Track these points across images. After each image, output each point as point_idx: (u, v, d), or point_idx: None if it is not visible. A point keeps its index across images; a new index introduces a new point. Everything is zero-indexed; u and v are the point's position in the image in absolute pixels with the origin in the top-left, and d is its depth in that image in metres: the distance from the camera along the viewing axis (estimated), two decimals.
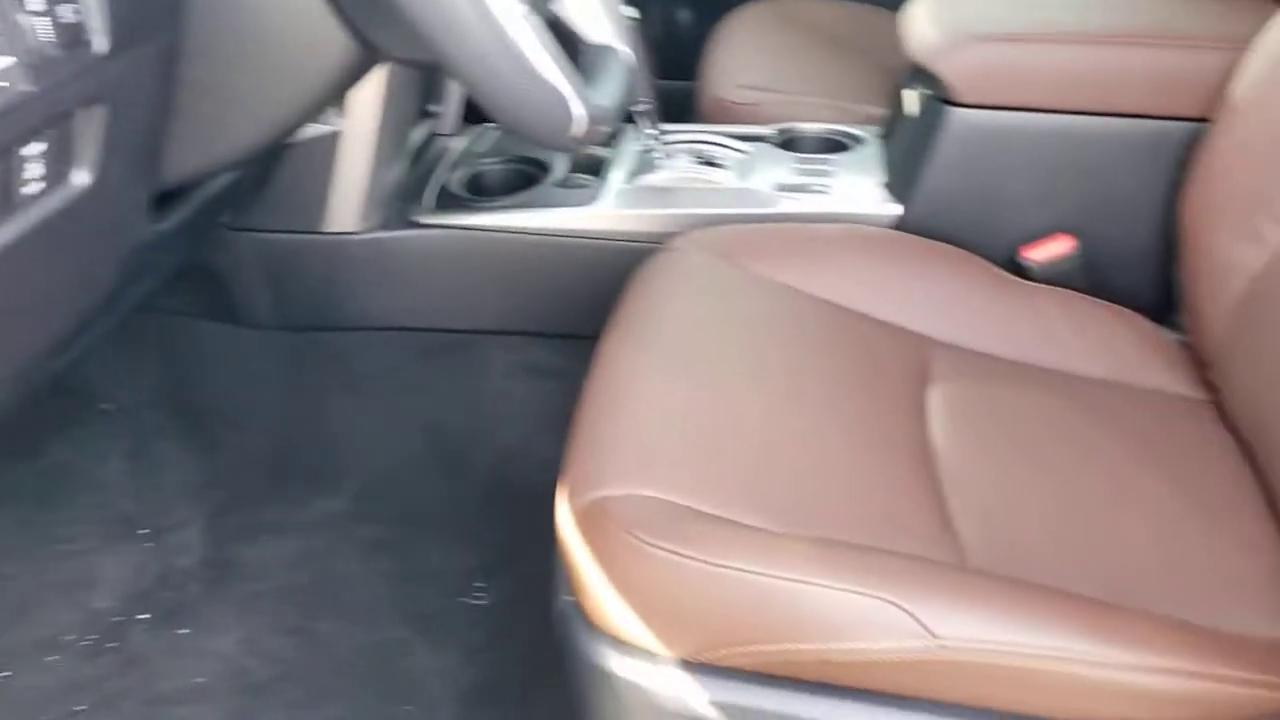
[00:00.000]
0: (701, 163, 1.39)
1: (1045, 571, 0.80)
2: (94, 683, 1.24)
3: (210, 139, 0.87)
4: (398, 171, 1.37)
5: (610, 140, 1.44)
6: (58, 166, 0.72)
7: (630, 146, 1.43)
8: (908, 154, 1.31)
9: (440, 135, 1.49)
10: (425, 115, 1.47)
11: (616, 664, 0.80)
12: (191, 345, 1.45)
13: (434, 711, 1.21)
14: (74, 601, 1.32)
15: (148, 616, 1.31)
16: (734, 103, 1.62)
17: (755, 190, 1.33)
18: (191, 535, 1.41)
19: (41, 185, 0.71)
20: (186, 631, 1.30)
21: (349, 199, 1.30)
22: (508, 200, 1.35)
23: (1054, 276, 1.22)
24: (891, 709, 0.76)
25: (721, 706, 0.77)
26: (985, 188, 1.25)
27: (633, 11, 1.15)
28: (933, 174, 1.26)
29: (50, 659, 1.26)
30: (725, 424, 0.91)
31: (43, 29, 0.66)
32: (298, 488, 1.45)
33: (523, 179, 1.40)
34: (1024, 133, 1.23)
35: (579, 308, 1.28)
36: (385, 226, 1.34)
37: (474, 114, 1.46)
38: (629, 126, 1.43)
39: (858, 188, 1.33)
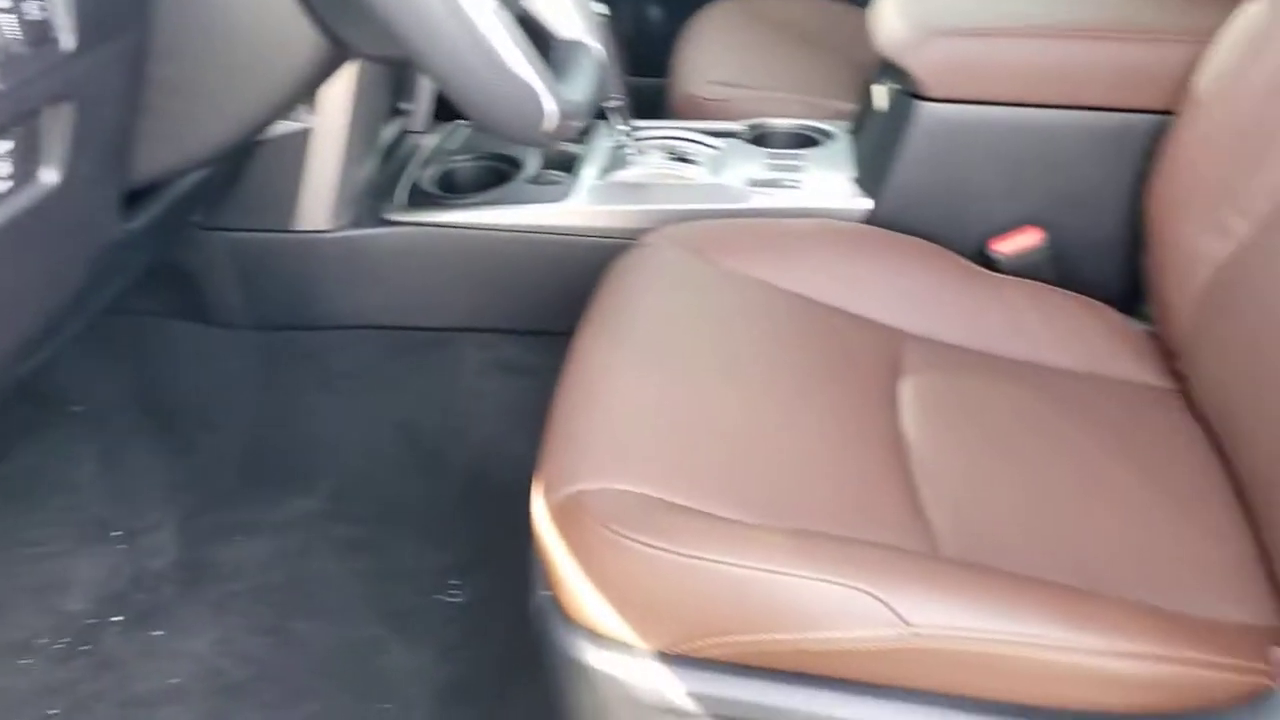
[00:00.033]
0: (673, 159, 1.40)
1: (1015, 559, 0.81)
2: (67, 686, 1.23)
3: (180, 136, 0.87)
4: (369, 169, 1.37)
5: (582, 137, 1.44)
6: (25, 165, 0.72)
7: (602, 143, 1.43)
8: (877, 149, 1.32)
9: (411, 133, 1.49)
10: (396, 113, 1.47)
11: (593, 657, 0.80)
12: (163, 345, 1.44)
13: (410, 709, 1.21)
14: (47, 605, 1.31)
15: (121, 619, 1.30)
16: (705, 99, 1.63)
17: (727, 186, 1.34)
18: (165, 536, 1.40)
19: (9, 184, 0.71)
20: (161, 633, 1.29)
21: (320, 197, 1.30)
22: (480, 197, 1.35)
23: (1022, 269, 1.24)
24: (866, 697, 0.76)
25: (698, 698, 0.78)
26: (954, 181, 1.26)
27: (603, 8, 1.15)
28: (902, 168, 1.27)
29: (23, 662, 1.25)
30: (699, 418, 0.91)
31: (9, 26, 0.66)
32: (271, 488, 1.45)
33: (495, 176, 1.40)
34: (992, 126, 1.24)
35: (552, 304, 1.28)
36: (357, 224, 1.33)
37: (445, 111, 1.47)
38: (601, 123, 1.43)
39: (828, 183, 1.34)
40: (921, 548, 0.83)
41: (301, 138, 1.25)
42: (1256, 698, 0.72)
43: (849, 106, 1.50)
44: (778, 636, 0.76)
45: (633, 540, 0.78)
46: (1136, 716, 0.74)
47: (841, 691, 0.76)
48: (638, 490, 0.82)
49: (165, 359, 1.45)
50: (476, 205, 1.33)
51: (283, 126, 1.22)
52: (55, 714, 1.20)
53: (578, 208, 1.32)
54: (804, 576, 0.76)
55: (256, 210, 1.30)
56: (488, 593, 1.33)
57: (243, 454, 1.47)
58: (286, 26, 0.84)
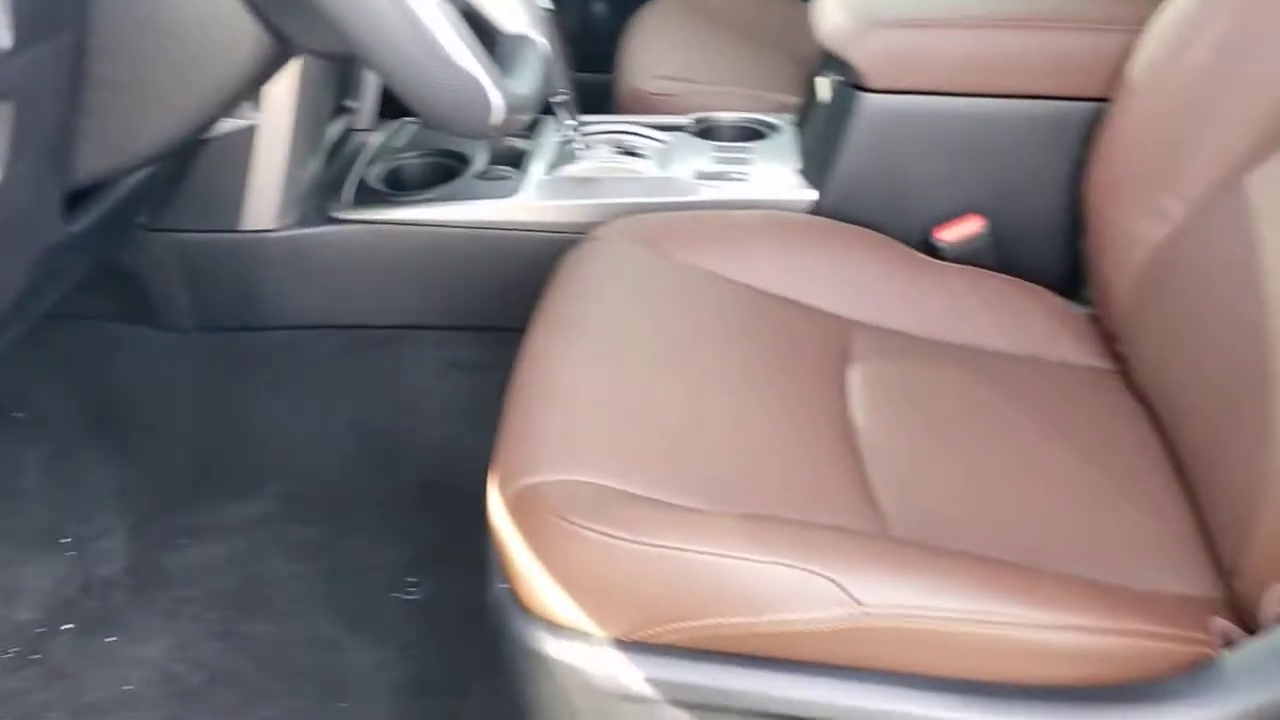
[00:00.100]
0: (621, 153, 1.40)
1: (961, 539, 0.83)
2: (18, 695, 1.21)
3: (123, 135, 0.86)
4: (314, 167, 1.36)
5: (529, 132, 1.44)
6: None
7: (550, 138, 1.44)
8: (821, 140, 1.33)
9: (357, 130, 1.48)
10: (341, 110, 1.46)
11: (552, 647, 0.80)
12: (107, 349, 1.42)
13: (369, 706, 1.21)
14: None
15: (72, 626, 1.29)
16: (651, 93, 1.63)
17: (675, 179, 1.35)
18: (115, 543, 1.39)
19: None
20: (113, 640, 1.27)
21: (266, 195, 1.29)
22: (428, 194, 1.34)
23: (965, 255, 1.26)
24: (820, 678, 0.77)
25: (656, 683, 0.79)
26: (897, 171, 1.28)
27: (547, 3, 1.15)
28: (846, 159, 1.28)
29: None
30: (652, 408, 0.92)
31: None
32: (222, 491, 1.44)
33: (442, 172, 1.39)
34: (932, 116, 1.26)
35: (503, 300, 1.28)
36: (303, 223, 1.33)
37: (391, 108, 1.46)
38: (548, 118, 1.43)
39: (774, 174, 1.35)
40: (871, 529, 0.85)
41: (246, 135, 1.24)
42: (1197, 666, 0.75)
43: (793, 99, 1.51)
44: (733, 620, 0.77)
45: (588, 530, 0.79)
46: (1082, 688, 0.75)
47: (796, 672, 0.77)
48: (592, 481, 0.83)
49: (110, 363, 1.43)
50: (425, 202, 1.33)
51: (227, 124, 1.21)
52: None
53: (527, 203, 1.32)
54: (757, 560, 0.77)
55: (201, 210, 1.29)
56: (444, 589, 1.33)
57: (192, 458, 1.46)
58: (229, 22, 0.83)
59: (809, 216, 1.28)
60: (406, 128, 1.49)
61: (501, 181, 1.35)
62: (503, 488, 0.84)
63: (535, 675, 0.82)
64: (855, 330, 1.10)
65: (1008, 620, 0.76)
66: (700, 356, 1.00)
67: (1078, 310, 1.18)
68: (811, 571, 0.76)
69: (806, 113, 1.43)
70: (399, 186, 1.38)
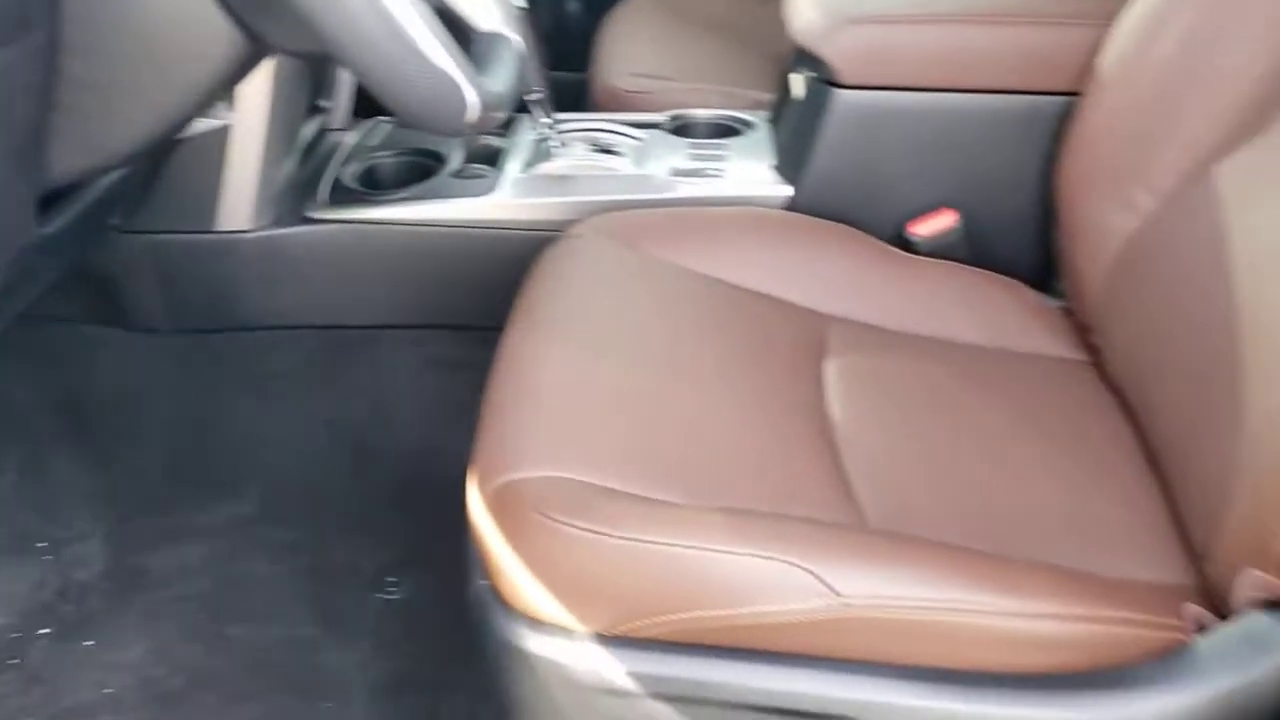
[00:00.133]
0: (597, 150, 1.41)
1: (936, 530, 0.84)
2: None
3: (96, 135, 0.85)
4: (289, 167, 1.36)
5: (505, 130, 1.44)
6: None
7: (526, 136, 1.44)
8: (796, 136, 1.34)
9: (331, 130, 1.48)
10: (315, 110, 1.45)
11: (533, 643, 0.81)
12: (82, 352, 1.41)
13: (349, 705, 1.20)
14: None
15: (49, 631, 1.28)
16: (626, 91, 1.64)
17: (651, 176, 1.35)
18: (91, 546, 1.38)
19: None
20: (91, 644, 1.27)
21: (240, 196, 1.28)
22: (404, 193, 1.34)
23: (939, 250, 1.27)
24: (799, 669, 0.78)
25: (637, 677, 0.79)
26: (871, 166, 1.29)
27: (521, 1, 1.15)
28: (820, 155, 1.29)
29: None
30: (630, 405, 0.93)
31: None
32: (199, 493, 1.43)
33: (418, 171, 1.39)
34: (905, 112, 1.27)
35: (481, 298, 1.28)
36: (278, 223, 1.32)
37: (365, 107, 1.46)
38: (523, 116, 1.43)
39: (749, 171, 1.36)
40: (849, 521, 0.85)
41: (220, 135, 1.24)
42: (1170, 652, 0.76)
43: (767, 96, 1.52)
44: (713, 613, 0.77)
45: (568, 525, 0.79)
46: (1057, 675, 0.76)
47: (775, 664, 0.78)
48: (571, 477, 0.83)
49: (85, 365, 1.42)
50: (400, 201, 1.33)
51: (201, 124, 1.20)
52: None
53: (503, 201, 1.32)
54: (736, 553, 0.78)
55: (176, 211, 1.28)
56: (424, 588, 1.33)
57: (168, 460, 1.45)
58: (202, 21, 0.83)
59: (784, 212, 1.29)
60: (381, 127, 1.49)
61: (477, 180, 1.35)
62: (482, 485, 0.84)
63: (517, 671, 0.82)
64: (831, 325, 1.11)
65: (983, 609, 0.77)
66: (678, 352, 1.01)
67: (1050, 303, 1.19)
68: (790, 563, 0.77)
69: (781, 109, 1.44)
70: (374, 186, 1.38)
